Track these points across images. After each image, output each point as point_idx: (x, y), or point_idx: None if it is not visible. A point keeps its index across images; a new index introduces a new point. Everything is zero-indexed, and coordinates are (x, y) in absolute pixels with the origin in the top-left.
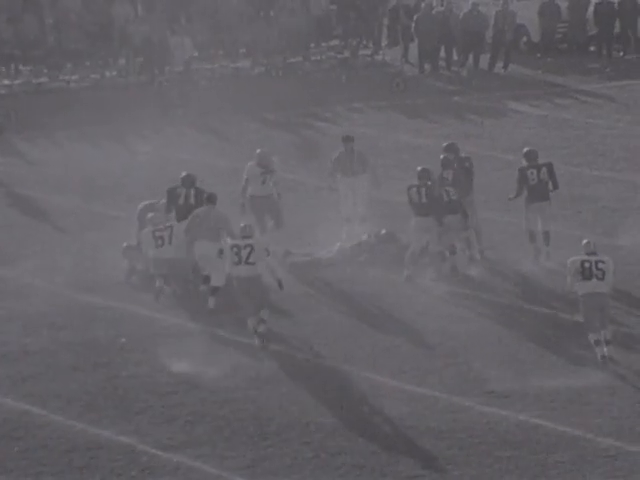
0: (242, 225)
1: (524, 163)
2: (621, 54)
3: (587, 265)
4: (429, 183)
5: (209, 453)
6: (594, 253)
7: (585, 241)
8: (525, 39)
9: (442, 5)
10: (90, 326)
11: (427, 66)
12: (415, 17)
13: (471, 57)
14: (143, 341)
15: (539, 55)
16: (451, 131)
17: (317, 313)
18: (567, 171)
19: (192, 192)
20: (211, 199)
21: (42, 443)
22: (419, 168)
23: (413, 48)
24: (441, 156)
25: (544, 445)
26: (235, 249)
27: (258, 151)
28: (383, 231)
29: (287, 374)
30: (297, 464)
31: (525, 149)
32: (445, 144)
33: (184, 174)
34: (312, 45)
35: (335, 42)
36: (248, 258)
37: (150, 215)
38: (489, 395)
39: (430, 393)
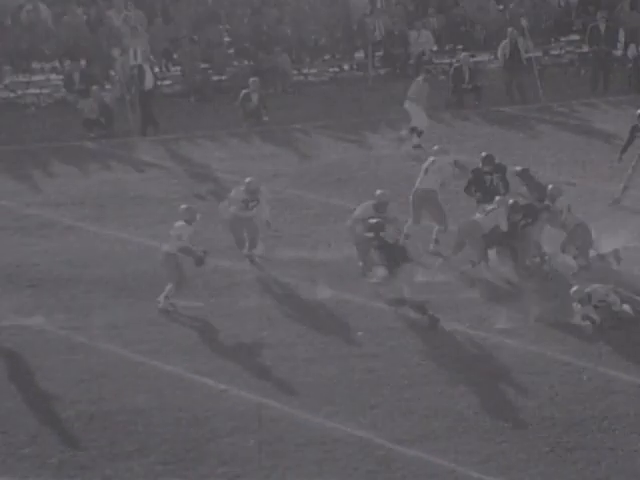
0: None
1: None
2: None
3: None
4: None
5: (444, 448)
6: None
7: None
8: None
9: None
10: (326, 319)
11: None
12: None
13: None
14: (379, 334)
15: None
16: None
17: None
18: None
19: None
20: None
21: (277, 436)
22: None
23: None
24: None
25: None
26: None
27: (247, 180)
28: None
29: (519, 369)
30: (532, 459)
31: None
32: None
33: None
34: (552, 40)
35: (575, 37)
36: None
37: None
38: None
39: None
